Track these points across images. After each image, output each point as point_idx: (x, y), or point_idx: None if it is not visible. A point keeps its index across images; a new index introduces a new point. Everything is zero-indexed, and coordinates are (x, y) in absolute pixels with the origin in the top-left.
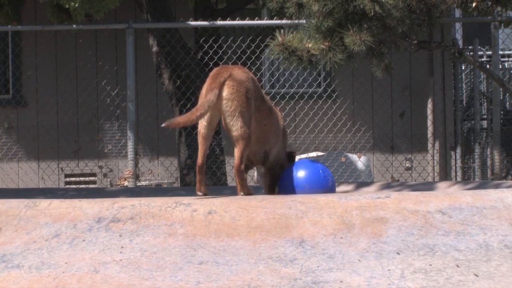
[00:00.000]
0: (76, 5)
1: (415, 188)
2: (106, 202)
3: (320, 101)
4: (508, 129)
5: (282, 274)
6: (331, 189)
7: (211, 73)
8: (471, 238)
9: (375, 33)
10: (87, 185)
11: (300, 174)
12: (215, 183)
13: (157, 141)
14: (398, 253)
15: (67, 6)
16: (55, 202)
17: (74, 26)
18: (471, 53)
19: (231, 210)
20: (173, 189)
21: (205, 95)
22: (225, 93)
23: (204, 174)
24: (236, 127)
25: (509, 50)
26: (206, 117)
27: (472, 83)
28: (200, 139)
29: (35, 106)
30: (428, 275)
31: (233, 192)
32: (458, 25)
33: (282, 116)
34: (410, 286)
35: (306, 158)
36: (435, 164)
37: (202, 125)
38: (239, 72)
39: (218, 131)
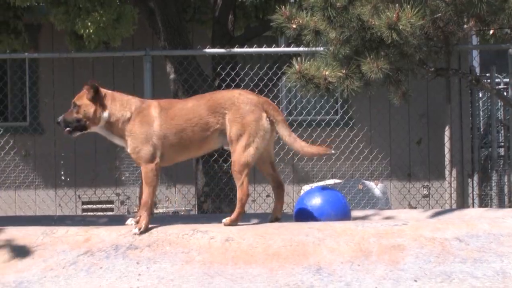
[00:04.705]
0: (91, 32)
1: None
2: (123, 229)
3: (338, 129)
4: None
5: None
6: (349, 216)
7: (255, 101)
8: (488, 265)
9: (392, 61)
10: (104, 213)
11: (325, 201)
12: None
13: (174, 168)
14: (415, 280)
15: (82, 33)
16: (72, 230)
17: (92, 53)
18: (488, 80)
19: (248, 237)
20: (191, 216)
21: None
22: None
23: None
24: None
25: None
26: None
27: (489, 110)
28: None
29: (52, 134)
30: None
31: (250, 219)
32: (475, 53)
33: None
34: None
35: (322, 185)
36: (452, 192)
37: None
38: None
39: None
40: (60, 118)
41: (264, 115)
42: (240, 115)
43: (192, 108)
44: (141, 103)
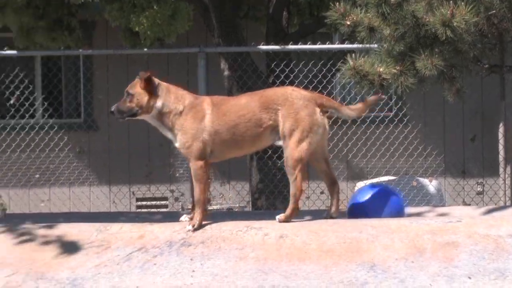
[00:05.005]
0: (146, 29)
1: None
2: (177, 226)
3: (392, 125)
4: None
5: None
6: (403, 213)
7: (308, 96)
8: None
9: (447, 57)
10: (158, 209)
11: (378, 198)
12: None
13: (229, 165)
14: (469, 277)
15: (136, 29)
16: (126, 226)
17: (145, 49)
18: None
19: (302, 234)
20: (245, 213)
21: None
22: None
23: None
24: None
25: None
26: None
27: None
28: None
29: (107, 130)
30: None
31: (303, 216)
32: None
33: None
34: None
35: (376, 182)
36: (506, 189)
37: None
38: None
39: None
40: (113, 108)
41: (318, 110)
42: (294, 110)
43: (245, 104)
44: (194, 99)
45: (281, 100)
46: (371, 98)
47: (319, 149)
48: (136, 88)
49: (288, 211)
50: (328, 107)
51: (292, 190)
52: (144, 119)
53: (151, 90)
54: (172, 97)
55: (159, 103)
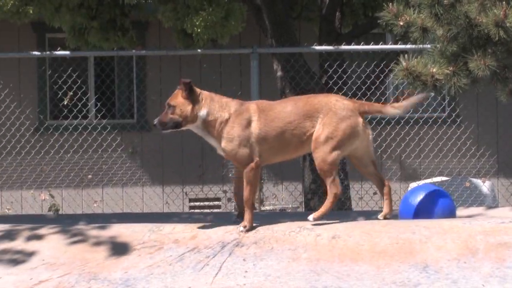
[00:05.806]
0: (199, 30)
1: None
2: (230, 227)
3: (445, 126)
4: None
5: None
6: (454, 213)
7: (351, 107)
8: None
9: (500, 58)
10: (211, 210)
11: (430, 199)
12: (340, 208)
13: (282, 166)
14: None
15: (190, 31)
16: (179, 227)
17: (199, 51)
18: None
19: (355, 234)
20: (297, 213)
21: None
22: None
23: None
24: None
25: None
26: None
27: None
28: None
29: (159, 131)
30: None
31: (356, 217)
32: None
33: None
34: None
35: (428, 182)
36: None
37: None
38: None
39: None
40: (156, 121)
41: (360, 120)
42: (335, 121)
43: (291, 111)
44: (239, 105)
45: (324, 110)
46: (415, 96)
47: (365, 155)
48: (178, 99)
49: (324, 208)
50: (373, 112)
51: (333, 190)
52: (189, 129)
53: (194, 99)
54: (216, 105)
55: (203, 112)
